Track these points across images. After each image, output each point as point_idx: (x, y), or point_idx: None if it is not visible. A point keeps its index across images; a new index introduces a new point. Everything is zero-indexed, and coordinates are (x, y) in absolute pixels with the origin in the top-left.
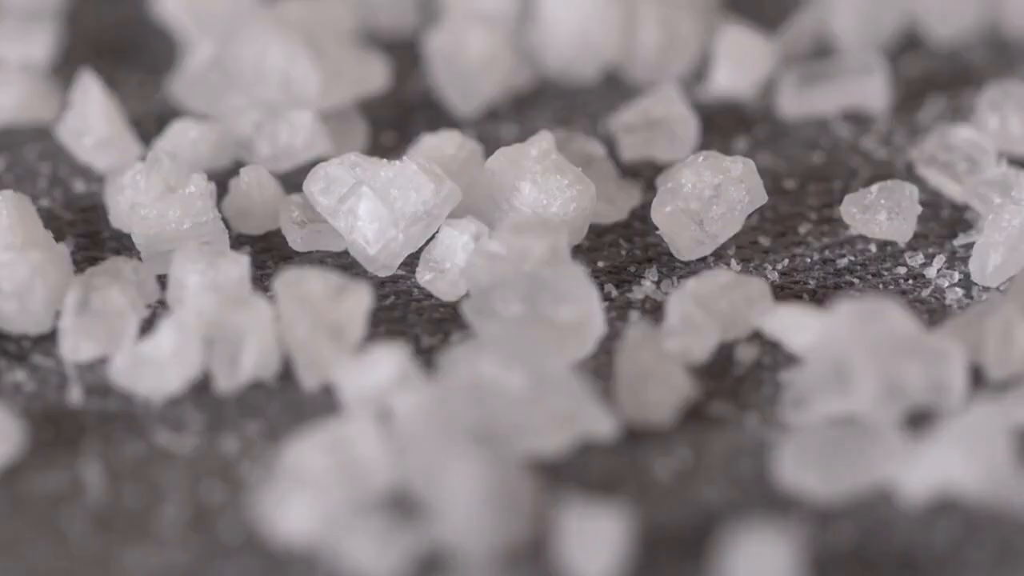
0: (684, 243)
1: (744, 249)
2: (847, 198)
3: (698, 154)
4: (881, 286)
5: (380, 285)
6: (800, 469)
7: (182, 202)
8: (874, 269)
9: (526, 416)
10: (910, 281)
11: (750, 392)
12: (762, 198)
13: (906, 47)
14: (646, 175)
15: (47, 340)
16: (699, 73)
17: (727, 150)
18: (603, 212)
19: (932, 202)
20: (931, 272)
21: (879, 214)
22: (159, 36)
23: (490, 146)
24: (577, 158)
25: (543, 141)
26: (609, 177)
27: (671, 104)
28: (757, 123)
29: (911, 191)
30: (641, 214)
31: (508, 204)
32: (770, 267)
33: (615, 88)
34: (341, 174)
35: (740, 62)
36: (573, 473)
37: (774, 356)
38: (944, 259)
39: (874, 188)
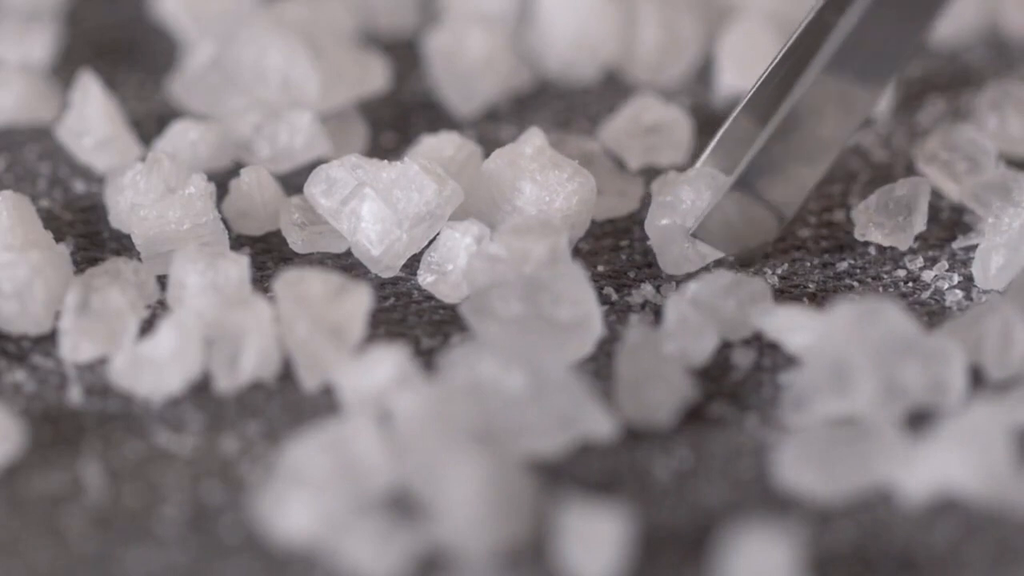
0: (671, 257)
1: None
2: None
3: (699, 169)
4: (881, 289)
5: (380, 286)
6: (800, 469)
7: (182, 203)
8: (874, 272)
9: (526, 416)
10: (910, 284)
11: (750, 393)
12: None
13: None
14: (646, 177)
15: (47, 340)
16: (700, 73)
17: None
18: (617, 206)
19: (932, 205)
20: (931, 275)
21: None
22: (159, 36)
23: (489, 147)
24: (575, 156)
25: (535, 138)
26: (612, 171)
27: (658, 110)
28: None
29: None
30: (640, 218)
31: (510, 205)
32: (770, 271)
33: (615, 89)
34: (342, 176)
35: (745, 60)
36: (573, 473)
37: (774, 357)
38: (944, 262)
39: (873, 195)
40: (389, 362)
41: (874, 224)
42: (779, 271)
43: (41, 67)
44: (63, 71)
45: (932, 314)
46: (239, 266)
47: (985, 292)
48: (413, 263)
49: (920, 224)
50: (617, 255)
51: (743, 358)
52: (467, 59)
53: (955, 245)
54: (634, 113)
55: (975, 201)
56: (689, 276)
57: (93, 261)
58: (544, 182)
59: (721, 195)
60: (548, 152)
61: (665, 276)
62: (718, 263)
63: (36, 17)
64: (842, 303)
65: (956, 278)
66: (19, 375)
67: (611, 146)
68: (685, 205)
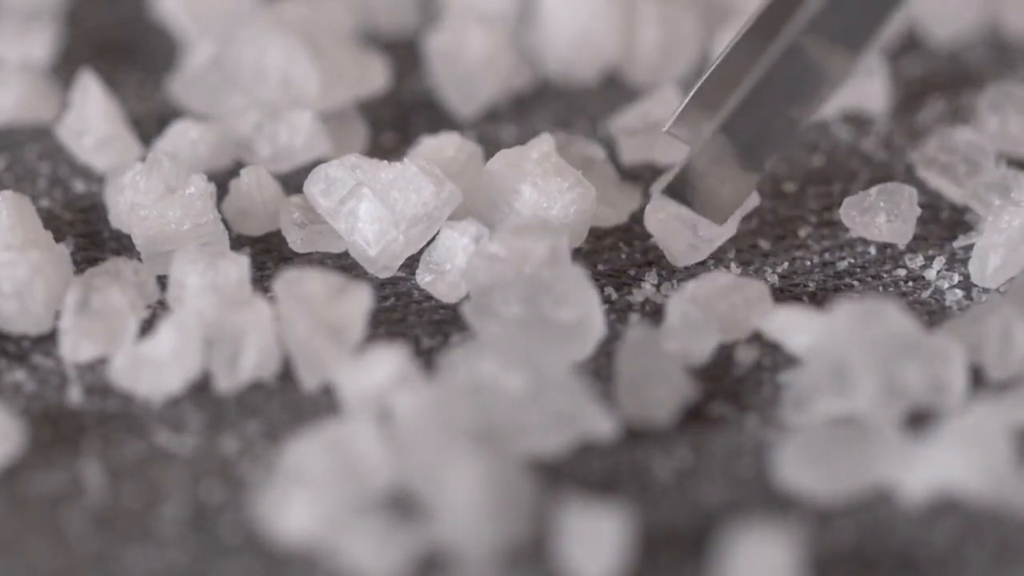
0: (678, 248)
1: (744, 252)
2: (846, 201)
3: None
4: (881, 288)
5: (380, 286)
6: (800, 469)
7: (182, 203)
8: (874, 271)
9: (526, 416)
10: (910, 283)
11: (750, 393)
12: (754, 201)
13: (906, 48)
14: (646, 178)
15: (47, 340)
16: (700, 72)
17: None
18: (603, 215)
19: (932, 204)
20: (931, 274)
21: (878, 216)
22: (159, 36)
23: (490, 148)
24: (577, 161)
25: (543, 144)
26: (609, 180)
27: (670, 106)
28: None
29: (910, 193)
30: (641, 217)
31: (508, 207)
32: (770, 270)
33: (615, 89)
34: (341, 175)
35: None
36: (573, 473)
37: (774, 357)
38: (944, 261)
39: (873, 190)
40: (389, 362)
41: (880, 207)
42: (779, 270)
43: (41, 67)
44: (63, 71)
45: (932, 313)
46: (239, 266)
47: (985, 291)
48: (413, 262)
49: (911, 215)
50: (617, 254)
51: (743, 357)
52: (467, 59)
53: (955, 244)
54: (648, 107)
55: (976, 200)
56: (693, 272)
57: (93, 261)
58: (544, 188)
59: (697, 148)
60: (554, 159)
61: (666, 274)
62: (717, 262)
63: (36, 17)
64: (842, 302)
65: (956, 277)
66: (19, 375)
67: (612, 136)
68: None
